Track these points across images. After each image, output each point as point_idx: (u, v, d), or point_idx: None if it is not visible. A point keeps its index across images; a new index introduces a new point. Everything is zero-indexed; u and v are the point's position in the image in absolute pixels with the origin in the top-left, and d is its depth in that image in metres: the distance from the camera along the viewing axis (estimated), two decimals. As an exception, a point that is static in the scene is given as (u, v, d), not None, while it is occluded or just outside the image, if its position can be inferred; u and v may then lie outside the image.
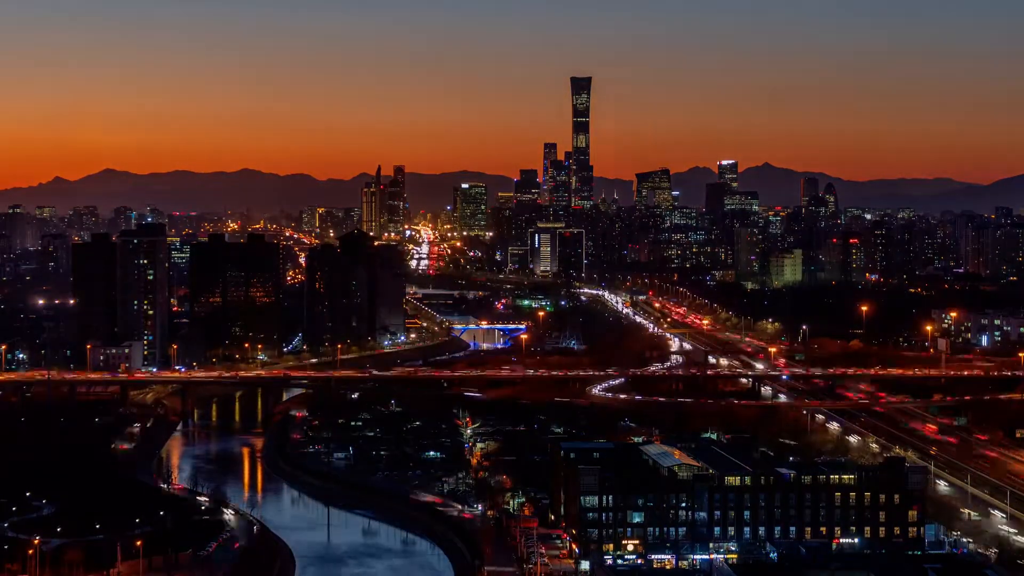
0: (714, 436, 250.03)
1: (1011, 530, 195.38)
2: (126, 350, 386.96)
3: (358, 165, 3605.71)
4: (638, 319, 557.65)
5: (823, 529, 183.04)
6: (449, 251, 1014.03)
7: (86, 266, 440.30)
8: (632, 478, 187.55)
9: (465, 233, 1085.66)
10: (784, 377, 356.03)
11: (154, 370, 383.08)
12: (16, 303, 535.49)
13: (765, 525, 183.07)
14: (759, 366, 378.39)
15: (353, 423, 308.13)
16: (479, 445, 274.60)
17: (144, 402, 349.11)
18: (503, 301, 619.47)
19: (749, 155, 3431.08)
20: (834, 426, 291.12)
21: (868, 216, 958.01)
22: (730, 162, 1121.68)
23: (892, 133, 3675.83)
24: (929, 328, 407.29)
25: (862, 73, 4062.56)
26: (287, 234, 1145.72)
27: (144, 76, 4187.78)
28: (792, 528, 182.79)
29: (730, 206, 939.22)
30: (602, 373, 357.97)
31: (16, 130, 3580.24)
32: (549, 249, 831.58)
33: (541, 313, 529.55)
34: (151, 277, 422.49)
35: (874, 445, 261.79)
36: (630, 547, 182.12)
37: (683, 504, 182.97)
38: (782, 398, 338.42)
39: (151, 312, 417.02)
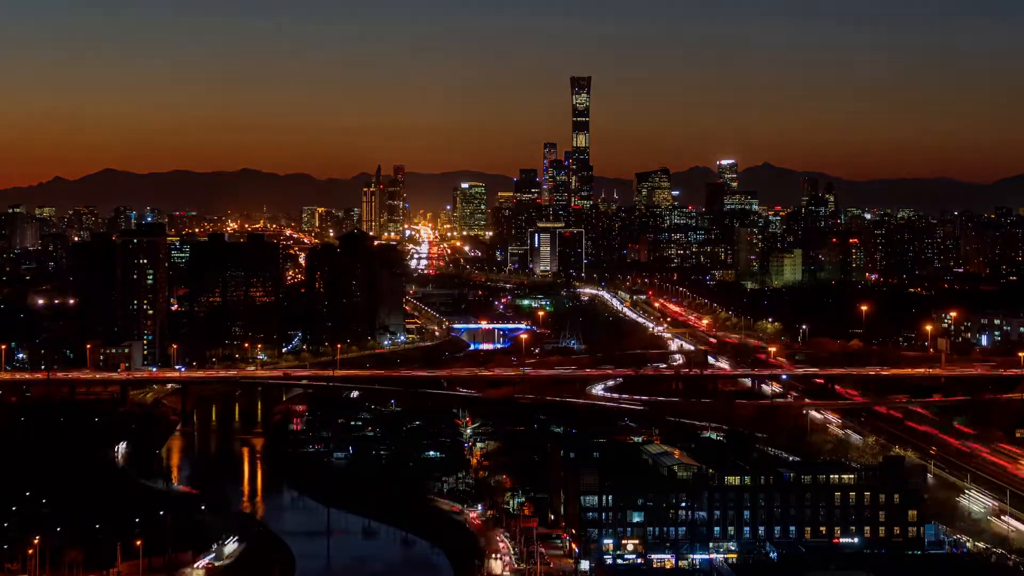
0: (714, 436, 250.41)
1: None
2: (126, 350, 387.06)
3: (358, 165, 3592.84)
4: (638, 319, 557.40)
5: (823, 529, 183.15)
6: (449, 251, 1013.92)
7: (86, 266, 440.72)
8: (632, 478, 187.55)
9: (465, 233, 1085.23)
10: (784, 377, 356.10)
11: (154, 370, 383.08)
12: (16, 303, 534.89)
13: (765, 525, 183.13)
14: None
15: (353, 423, 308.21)
16: (479, 445, 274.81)
17: (144, 402, 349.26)
18: (503, 301, 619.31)
19: (749, 155, 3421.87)
20: (834, 426, 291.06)
21: (868, 216, 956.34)
22: (730, 162, 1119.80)
23: (892, 133, 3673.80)
24: (929, 328, 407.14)
25: (862, 73, 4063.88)
26: (287, 234, 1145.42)
27: (144, 76, 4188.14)
28: (792, 528, 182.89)
29: (730, 206, 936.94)
30: (602, 373, 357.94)
31: (16, 130, 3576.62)
32: (549, 249, 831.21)
33: (541, 313, 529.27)
34: (151, 277, 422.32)
35: (872, 444, 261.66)
36: (630, 547, 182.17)
37: (683, 504, 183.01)
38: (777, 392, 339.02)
39: (151, 312, 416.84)
